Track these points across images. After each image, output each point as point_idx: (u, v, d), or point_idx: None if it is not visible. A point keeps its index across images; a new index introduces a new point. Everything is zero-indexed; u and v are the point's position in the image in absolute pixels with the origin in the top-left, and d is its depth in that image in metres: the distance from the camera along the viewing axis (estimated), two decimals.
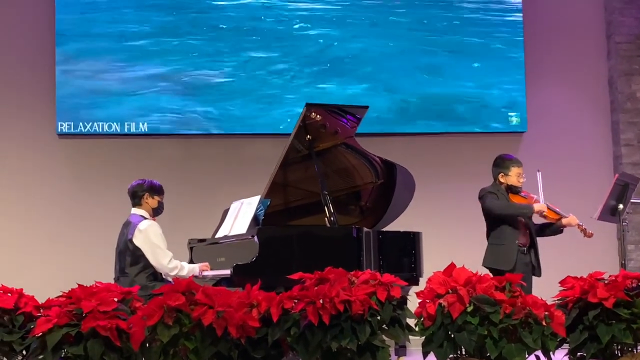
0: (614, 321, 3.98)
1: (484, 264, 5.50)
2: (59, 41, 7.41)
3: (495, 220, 5.51)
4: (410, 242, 5.43)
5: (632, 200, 5.90)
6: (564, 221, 5.60)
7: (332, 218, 5.23)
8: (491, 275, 4.49)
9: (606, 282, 4.12)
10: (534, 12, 8.04)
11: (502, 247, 5.49)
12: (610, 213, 5.80)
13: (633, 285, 4.09)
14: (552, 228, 5.69)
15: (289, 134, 5.50)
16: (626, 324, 3.97)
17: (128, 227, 5.34)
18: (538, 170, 5.59)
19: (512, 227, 5.48)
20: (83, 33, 7.46)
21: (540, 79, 8.02)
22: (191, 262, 5.75)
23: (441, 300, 3.88)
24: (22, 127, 7.45)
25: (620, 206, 5.78)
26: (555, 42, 8.09)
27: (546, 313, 3.87)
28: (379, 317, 3.80)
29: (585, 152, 8.01)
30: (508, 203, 5.51)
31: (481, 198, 5.56)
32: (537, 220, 5.69)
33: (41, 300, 4.05)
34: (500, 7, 7.93)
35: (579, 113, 8.07)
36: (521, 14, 7.94)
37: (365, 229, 5.21)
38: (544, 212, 5.51)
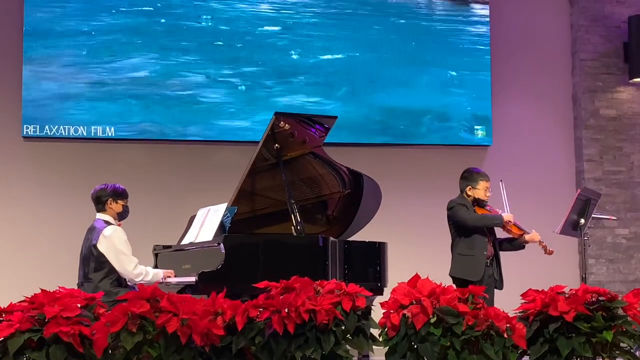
0: (574, 334, 4.04)
1: (452, 274, 5.54)
2: (27, 42, 7.34)
3: (465, 232, 5.57)
4: (375, 252, 5.47)
5: (593, 215, 6.00)
6: (526, 237, 5.67)
7: (298, 227, 5.25)
8: (455, 285, 4.53)
9: (567, 295, 4.18)
10: (501, 27, 8.15)
11: (471, 258, 5.55)
12: (572, 227, 5.90)
13: (593, 299, 4.15)
14: (515, 243, 5.77)
15: (258, 142, 5.51)
16: (586, 338, 4.03)
17: (92, 232, 5.31)
18: (501, 181, 5.67)
19: (481, 239, 5.55)
20: (52, 35, 7.39)
21: (506, 93, 8.13)
22: (156, 268, 5.72)
23: (405, 311, 3.91)
24: None
25: (582, 221, 5.87)
26: (522, 57, 8.20)
27: (508, 325, 3.92)
28: (343, 327, 3.82)
29: (548, 166, 8.13)
30: (480, 215, 5.60)
31: (451, 209, 5.62)
32: (500, 234, 5.76)
33: (3, 304, 4.00)
34: (467, 21, 8.03)
35: (543, 128, 8.18)
36: (488, 28, 8.04)
37: (331, 238, 5.24)
38: (511, 221, 5.61)
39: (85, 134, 7.39)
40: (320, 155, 5.74)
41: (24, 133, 7.31)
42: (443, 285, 4.04)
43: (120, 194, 5.41)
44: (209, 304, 3.87)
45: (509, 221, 5.60)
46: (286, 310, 3.76)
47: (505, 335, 3.88)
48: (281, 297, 3.86)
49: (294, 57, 7.77)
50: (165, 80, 7.56)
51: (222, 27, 7.70)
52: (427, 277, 4.05)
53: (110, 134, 7.43)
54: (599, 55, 8.16)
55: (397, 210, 7.42)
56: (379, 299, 4.29)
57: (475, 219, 5.56)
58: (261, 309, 3.83)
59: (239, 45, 7.69)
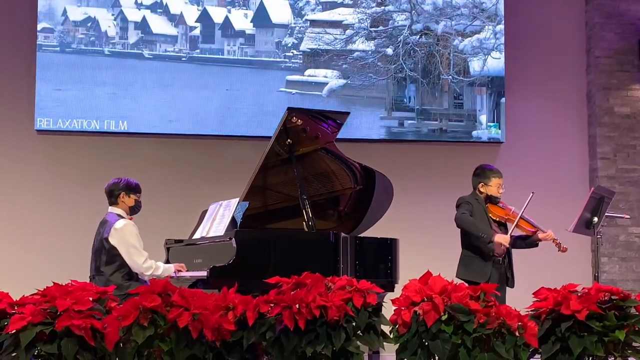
0: (586, 333, 4.03)
1: (458, 276, 5.49)
2: (41, 35, 7.37)
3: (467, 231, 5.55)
4: (387, 249, 5.46)
5: (606, 214, 5.97)
6: (540, 235, 5.63)
7: (310, 222, 5.25)
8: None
9: (579, 294, 4.16)
10: (516, 23, 8.11)
11: (477, 259, 5.52)
12: (585, 226, 5.87)
13: (606, 298, 4.13)
14: (528, 241, 5.73)
15: (270, 137, 5.51)
16: (598, 337, 4.02)
17: (104, 225, 5.33)
18: (532, 193, 5.58)
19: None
20: (66, 28, 7.42)
21: (519, 90, 8.09)
22: (167, 262, 5.74)
23: (416, 308, 3.90)
24: (0, 123, 7.38)
25: (595, 219, 5.84)
26: (536, 54, 8.16)
27: (519, 323, 3.91)
28: (354, 323, 3.82)
29: (561, 164, 8.09)
30: (473, 221, 5.47)
31: (457, 207, 5.60)
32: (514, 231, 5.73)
33: (16, 297, 4.02)
34: (481, 17, 7.99)
35: (556, 125, 8.14)
36: (503, 25, 8.00)
37: (342, 234, 5.23)
38: (505, 245, 5.48)
39: (98, 127, 7.41)
40: (332, 150, 5.73)
41: (38, 126, 7.33)
42: (455, 282, 4.03)
43: (133, 188, 5.44)
44: (220, 299, 3.88)
45: (501, 243, 5.44)
46: (297, 306, 3.76)
47: (517, 334, 3.87)
48: (292, 292, 3.86)
49: (307, 51, 7.76)
50: (178, 75, 7.57)
51: (238, 25, 7.71)
52: (439, 274, 4.04)
53: (123, 128, 7.45)
54: (613, 52, 8.10)
55: (409, 206, 7.40)
56: (390, 296, 4.28)
57: (464, 220, 5.45)
58: (272, 305, 3.84)
59: (253, 41, 7.70)
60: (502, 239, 5.45)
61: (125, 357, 3.77)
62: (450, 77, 7.92)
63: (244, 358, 3.83)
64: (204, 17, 7.69)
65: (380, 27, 7.89)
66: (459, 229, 5.63)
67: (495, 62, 7.98)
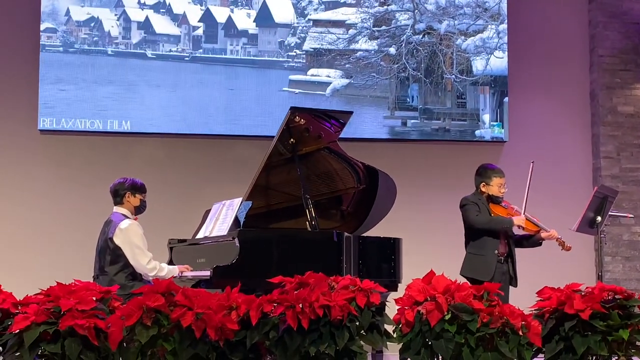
0: (589, 332, 4.03)
1: (462, 273, 5.53)
2: (44, 35, 7.38)
3: (475, 231, 5.55)
4: (390, 248, 5.46)
5: (610, 213, 5.96)
6: (543, 234, 5.63)
7: (313, 222, 5.25)
8: (469, 284, 4.51)
9: (583, 293, 4.16)
10: (519, 22, 8.10)
11: (481, 258, 5.52)
12: (588, 225, 5.86)
13: (609, 297, 4.13)
14: (531, 240, 5.73)
15: (273, 137, 5.51)
16: (602, 336, 4.02)
17: (109, 225, 5.34)
18: (532, 162, 5.62)
19: (493, 238, 5.52)
20: (69, 27, 7.43)
21: (522, 89, 8.08)
22: (171, 262, 5.75)
23: (420, 308, 3.90)
24: (3, 123, 7.38)
25: (599, 218, 5.84)
26: (539, 53, 8.15)
27: (523, 323, 3.91)
28: (357, 323, 3.82)
29: (565, 163, 8.08)
30: (490, 217, 5.53)
31: (462, 207, 5.60)
32: (516, 231, 5.72)
33: (19, 297, 4.03)
34: (485, 16, 7.98)
35: (560, 125, 8.13)
36: (506, 24, 7.99)
37: (346, 234, 5.23)
38: (522, 225, 5.54)
39: (101, 127, 7.41)
40: (335, 150, 5.73)
41: (41, 126, 7.34)
42: (458, 282, 4.03)
43: (138, 188, 5.45)
44: (223, 299, 3.88)
45: (520, 224, 5.53)
46: (300, 305, 3.76)
47: (521, 333, 3.87)
48: (295, 292, 3.86)
49: (310, 50, 7.75)
50: (181, 75, 7.57)
51: (241, 25, 7.71)
52: (442, 274, 4.04)
53: (126, 128, 7.45)
54: (617, 51, 8.09)
55: (412, 206, 7.40)
56: (393, 295, 4.28)
57: (482, 221, 5.51)
58: (275, 304, 3.84)
59: (256, 42, 7.70)
60: (520, 221, 5.50)
61: (129, 357, 3.77)
62: (453, 76, 7.91)
63: (247, 357, 3.84)
64: (207, 17, 7.70)
65: (383, 27, 7.89)
66: (463, 228, 5.64)
67: (498, 62, 7.97)
